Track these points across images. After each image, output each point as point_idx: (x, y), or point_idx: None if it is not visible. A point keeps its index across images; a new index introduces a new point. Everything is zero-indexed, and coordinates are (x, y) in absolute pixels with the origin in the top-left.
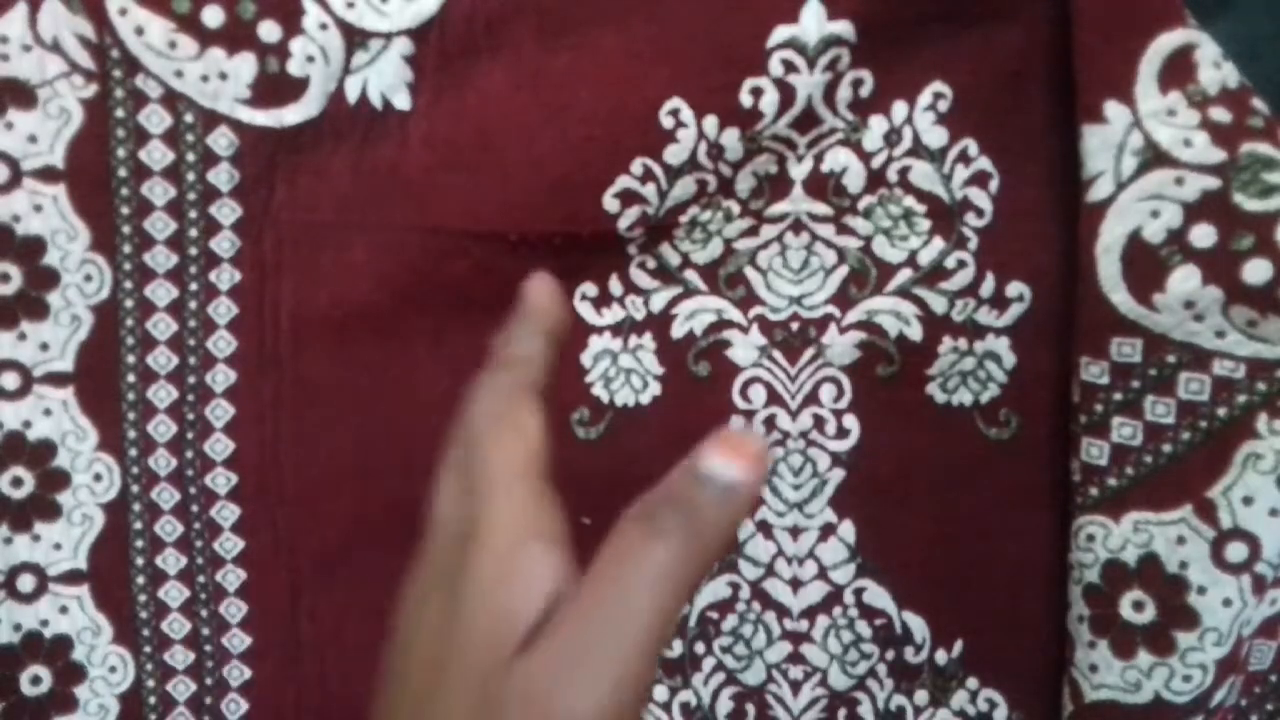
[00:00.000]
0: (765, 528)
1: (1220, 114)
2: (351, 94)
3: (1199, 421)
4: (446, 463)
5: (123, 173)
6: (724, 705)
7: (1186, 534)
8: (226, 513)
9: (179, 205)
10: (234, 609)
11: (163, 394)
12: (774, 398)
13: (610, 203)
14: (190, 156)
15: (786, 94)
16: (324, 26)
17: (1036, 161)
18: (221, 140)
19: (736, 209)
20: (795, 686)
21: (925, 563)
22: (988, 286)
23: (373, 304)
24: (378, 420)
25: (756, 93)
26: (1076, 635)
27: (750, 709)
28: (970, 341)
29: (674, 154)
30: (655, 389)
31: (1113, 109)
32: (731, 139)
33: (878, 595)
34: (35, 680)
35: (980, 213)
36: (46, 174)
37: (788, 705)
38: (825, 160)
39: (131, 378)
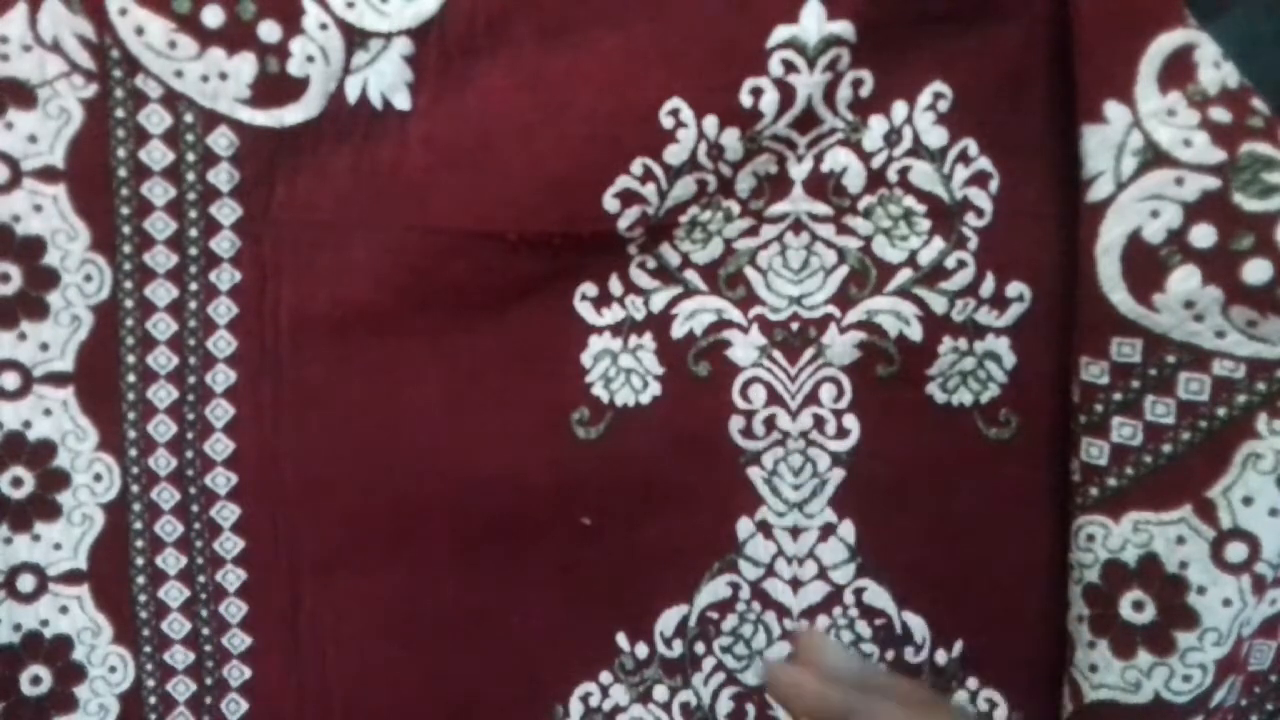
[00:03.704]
0: (765, 528)
1: (1220, 114)
2: (351, 94)
3: (1199, 421)
4: None
5: (123, 173)
6: (724, 705)
7: (1186, 534)
8: (226, 513)
9: (179, 205)
10: (234, 609)
11: (163, 394)
12: (774, 398)
13: (610, 203)
14: (190, 156)
15: (786, 94)
16: (324, 26)
17: (1036, 161)
18: (221, 140)
19: (736, 209)
20: None
21: (925, 563)
22: (988, 286)
23: (373, 304)
24: (377, 419)
25: (756, 93)
26: (1076, 635)
27: (750, 709)
28: (970, 341)
29: (674, 154)
30: (655, 389)
31: (1113, 109)
32: (731, 139)
33: (878, 595)
34: (35, 680)
35: (980, 213)
36: (46, 174)
37: None
38: (825, 160)
39: (131, 378)
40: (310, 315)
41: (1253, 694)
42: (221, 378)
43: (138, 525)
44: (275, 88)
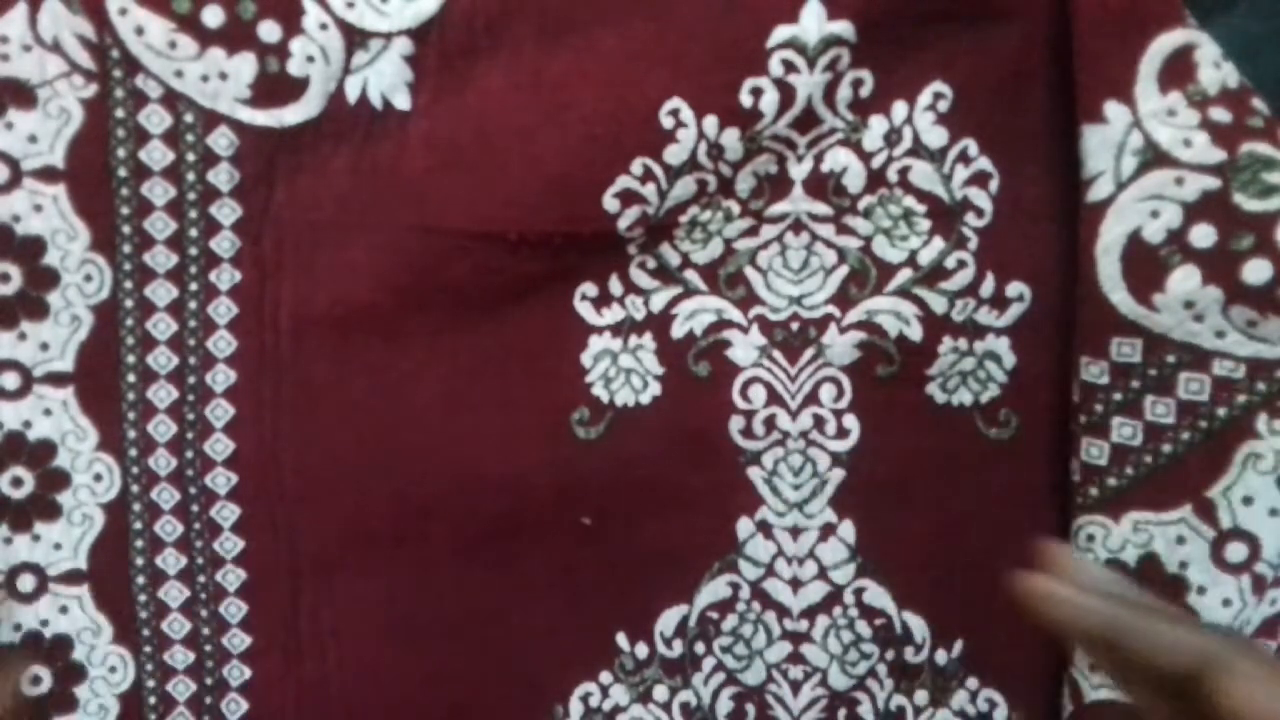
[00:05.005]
0: (765, 528)
1: (1220, 114)
2: (351, 94)
3: (1199, 421)
4: None
5: (123, 173)
6: (724, 705)
7: (1186, 534)
8: (226, 513)
9: (179, 205)
10: (234, 609)
11: (163, 394)
12: (774, 398)
13: (610, 203)
14: (190, 156)
15: (786, 94)
16: (324, 26)
17: (1036, 161)
18: (221, 140)
19: (736, 209)
20: (795, 686)
21: (925, 563)
22: (988, 286)
23: (373, 304)
24: (378, 420)
25: (756, 93)
26: None
27: (750, 709)
28: (970, 341)
29: (674, 154)
30: (655, 389)
31: (1113, 109)
32: (731, 139)
33: (878, 595)
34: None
35: (980, 213)
36: (46, 174)
37: (788, 705)
38: (825, 160)
39: (131, 378)
40: (310, 315)
41: None
42: (221, 378)
43: (138, 525)
44: (275, 88)
